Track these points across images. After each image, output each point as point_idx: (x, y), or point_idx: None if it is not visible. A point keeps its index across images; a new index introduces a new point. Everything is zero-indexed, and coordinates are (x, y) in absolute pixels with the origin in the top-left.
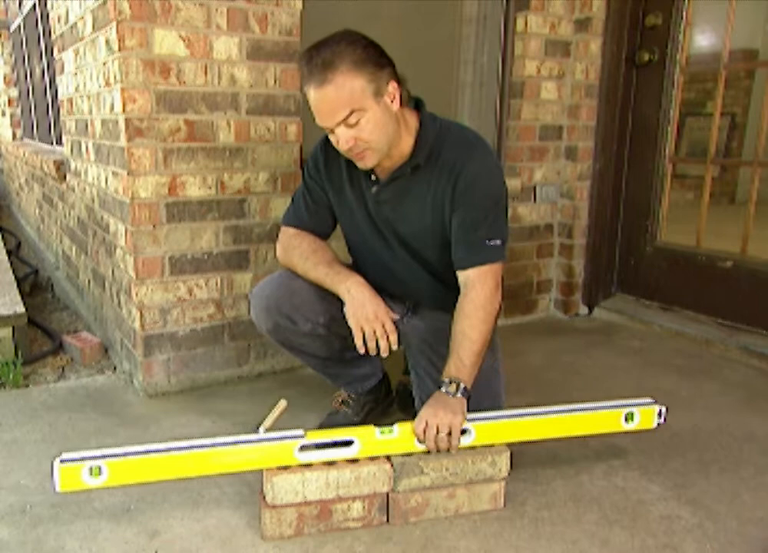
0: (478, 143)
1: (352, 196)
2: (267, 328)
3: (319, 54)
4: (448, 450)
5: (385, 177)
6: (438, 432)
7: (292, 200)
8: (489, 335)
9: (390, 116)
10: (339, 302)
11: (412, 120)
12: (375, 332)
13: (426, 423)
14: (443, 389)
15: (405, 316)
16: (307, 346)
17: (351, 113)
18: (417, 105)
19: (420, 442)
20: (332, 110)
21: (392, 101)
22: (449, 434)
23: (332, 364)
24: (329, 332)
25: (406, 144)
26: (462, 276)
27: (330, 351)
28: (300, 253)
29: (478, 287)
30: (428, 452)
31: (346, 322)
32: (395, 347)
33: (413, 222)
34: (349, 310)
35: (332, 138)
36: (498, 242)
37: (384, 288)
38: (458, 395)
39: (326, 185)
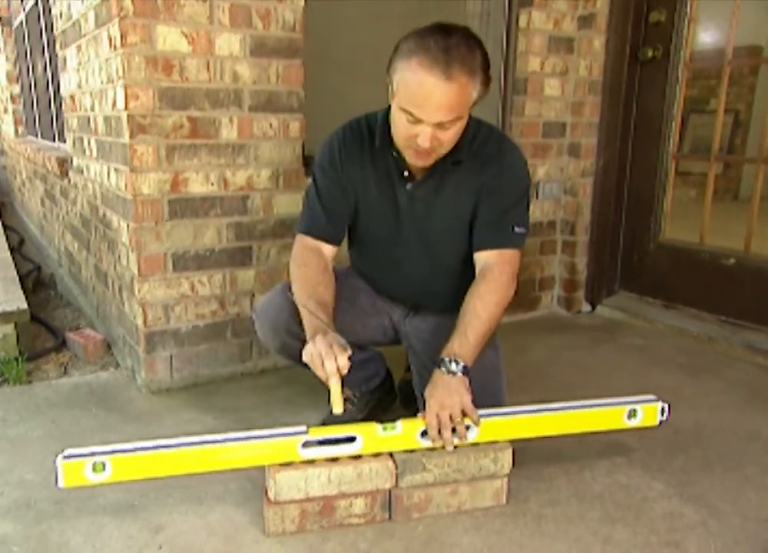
0: (505, 137)
1: (378, 194)
2: (275, 347)
3: (457, 45)
4: (468, 428)
5: (423, 174)
6: (453, 419)
7: (305, 204)
8: (497, 320)
9: None
10: (347, 312)
11: None
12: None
13: (438, 417)
14: (443, 369)
15: (407, 316)
16: None
17: (457, 118)
18: None
19: (434, 436)
20: (444, 109)
21: None
22: (464, 415)
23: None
24: None
25: None
26: (482, 257)
27: None
28: (301, 285)
29: (496, 271)
30: (452, 448)
31: (355, 331)
32: (344, 371)
33: (446, 216)
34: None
35: (406, 129)
36: (523, 230)
37: (387, 288)
38: (459, 374)
39: (344, 181)
